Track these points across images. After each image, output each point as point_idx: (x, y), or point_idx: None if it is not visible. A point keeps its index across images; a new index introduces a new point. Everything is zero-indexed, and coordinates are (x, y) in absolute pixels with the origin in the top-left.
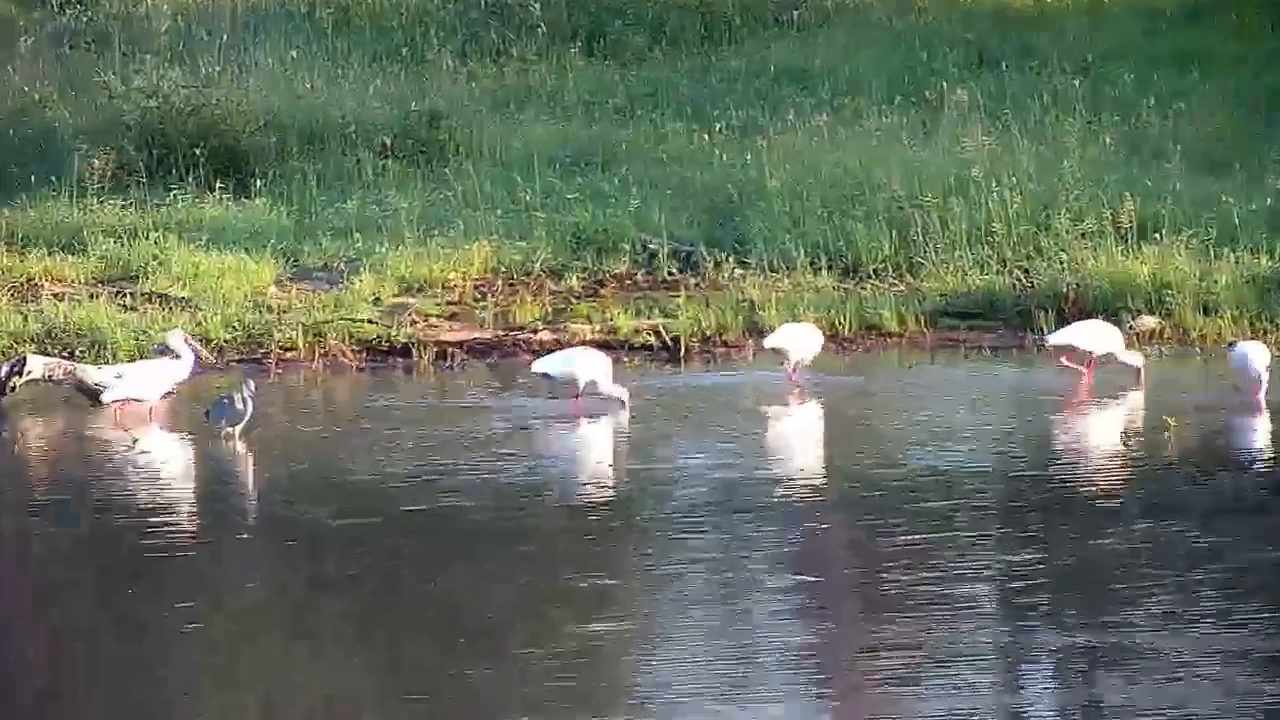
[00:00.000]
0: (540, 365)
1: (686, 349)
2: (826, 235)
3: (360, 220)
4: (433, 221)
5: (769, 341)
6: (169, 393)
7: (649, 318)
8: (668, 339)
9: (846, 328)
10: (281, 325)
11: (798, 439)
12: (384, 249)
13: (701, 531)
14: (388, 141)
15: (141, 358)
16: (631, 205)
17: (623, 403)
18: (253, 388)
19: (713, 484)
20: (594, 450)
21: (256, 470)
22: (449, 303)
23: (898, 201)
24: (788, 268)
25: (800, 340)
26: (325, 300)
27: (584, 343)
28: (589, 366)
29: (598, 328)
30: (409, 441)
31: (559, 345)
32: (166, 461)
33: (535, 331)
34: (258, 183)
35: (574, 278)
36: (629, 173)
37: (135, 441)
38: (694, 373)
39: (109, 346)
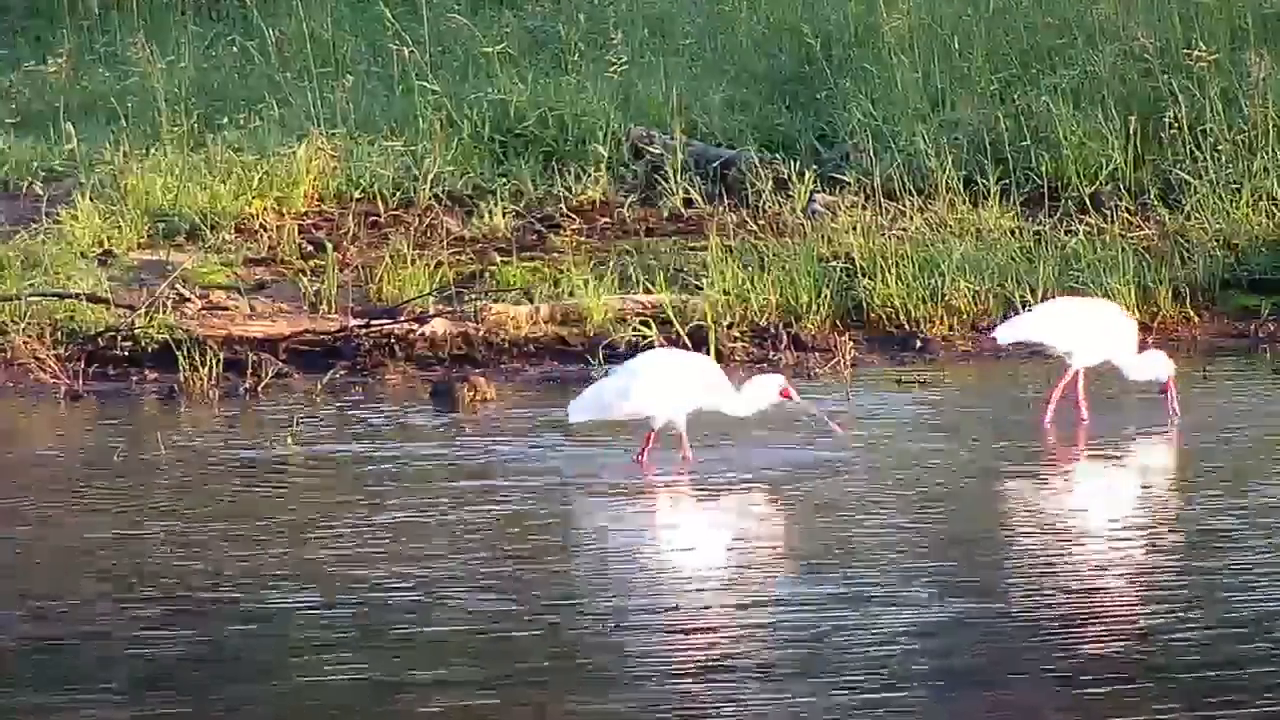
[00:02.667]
0: (577, 411)
1: (719, 351)
2: (998, 128)
3: (72, 97)
4: (217, 99)
5: (1015, 331)
6: None
7: (647, 290)
8: (683, 330)
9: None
10: None
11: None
12: (121, 154)
13: None
14: None
15: None
16: (612, 70)
17: (826, 417)
18: None
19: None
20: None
21: None
22: (252, 260)
23: (1140, 59)
24: (920, 190)
25: (1083, 333)
26: (1, 256)
27: (619, 344)
28: (690, 384)
29: (543, 310)
30: (215, 553)
31: (467, 342)
32: None
33: (421, 317)
34: None
35: (499, 210)
36: (607, 6)
37: None
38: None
39: None
